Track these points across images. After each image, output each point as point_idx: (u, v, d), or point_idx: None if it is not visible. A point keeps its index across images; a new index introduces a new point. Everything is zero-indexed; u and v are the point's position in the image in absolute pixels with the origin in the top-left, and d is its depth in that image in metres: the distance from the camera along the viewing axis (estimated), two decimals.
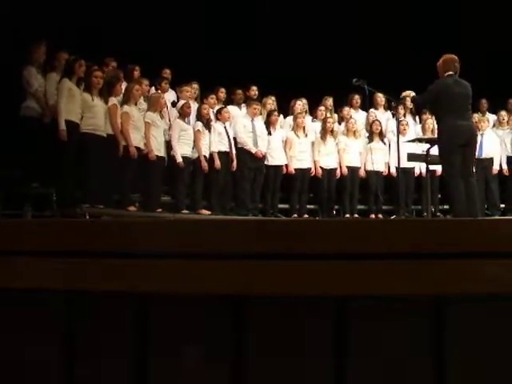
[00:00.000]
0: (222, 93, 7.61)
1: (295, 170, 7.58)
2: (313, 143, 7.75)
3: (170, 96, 7.21)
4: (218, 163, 6.97)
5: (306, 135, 7.68)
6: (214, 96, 7.41)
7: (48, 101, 5.84)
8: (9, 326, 1.14)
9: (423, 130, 7.86)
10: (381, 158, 7.79)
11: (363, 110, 8.03)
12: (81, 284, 1.10)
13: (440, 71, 5.26)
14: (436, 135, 7.52)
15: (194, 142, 6.86)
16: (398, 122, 6.80)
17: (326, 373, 1.07)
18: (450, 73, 5.19)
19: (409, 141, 6.59)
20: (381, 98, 8.01)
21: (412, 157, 6.57)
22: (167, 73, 7.36)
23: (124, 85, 6.49)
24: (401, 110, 7.72)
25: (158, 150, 6.53)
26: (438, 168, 7.64)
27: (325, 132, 7.66)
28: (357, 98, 8.06)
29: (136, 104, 6.46)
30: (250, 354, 1.09)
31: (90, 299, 1.12)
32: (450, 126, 5.07)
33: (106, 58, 6.71)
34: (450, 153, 5.11)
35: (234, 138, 7.29)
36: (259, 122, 7.44)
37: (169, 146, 6.76)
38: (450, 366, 1.06)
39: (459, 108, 5.10)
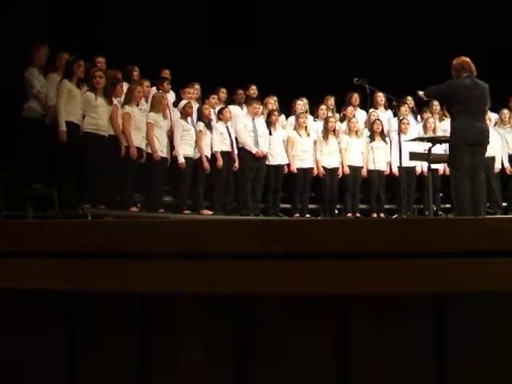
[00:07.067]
0: (224, 93, 7.61)
1: (297, 169, 7.56)
2: (315, 142, 7.74)
3: (170, 97, 7.20)
4: (220, 163, 6.97)
5: (309, 134, 7.67)
6: (215, 96, 7.40)
7: (49, 102, 5.85)
8: (10, 326, 1.14)
9: (425, 128, 7.86)
10: (382, 158, 7.79)
11: (364, 109, 8.02)
12: (82, 284, 1.10)
13: (456, 71, 5.20)
14: (437, 134, 7.56)
15: (196, 142, 6.86)
16: (400, 121, 6.80)
17: (328, 373, 1.07)
18: (468, 74, 5.15)
19: (410, 140, 6.59)
20: (381, 97, 8.02)
21: (414, 156, 6.57)
22: (167, 73, 7.33)
23: (125, 85, 6.49)
24: (402, 109, 7.72)
25: (161, 151, 6.53)
26: (440, 167, 7.66)
27: (327, 131, 7.66)
28: (356, 97, 8.06)
29: (137, 105, 6.47)
30: (252, 355, 1.09)
31: (91, 300, 1.13)
32: (463, 125, 5.06)
33: (95, 56, 6.60)
34: (459, 151, 5.11)
35: (236, 138, 7.29)
36: (260, 121, 7.42)
37: (171, 146, 6.77)
38: (451, 367, 1.06)
39: (474, 109, 5.09)
